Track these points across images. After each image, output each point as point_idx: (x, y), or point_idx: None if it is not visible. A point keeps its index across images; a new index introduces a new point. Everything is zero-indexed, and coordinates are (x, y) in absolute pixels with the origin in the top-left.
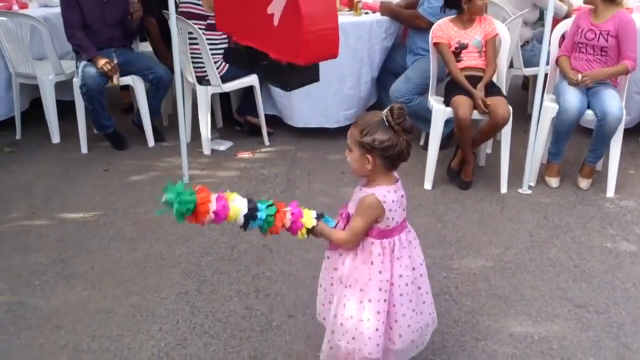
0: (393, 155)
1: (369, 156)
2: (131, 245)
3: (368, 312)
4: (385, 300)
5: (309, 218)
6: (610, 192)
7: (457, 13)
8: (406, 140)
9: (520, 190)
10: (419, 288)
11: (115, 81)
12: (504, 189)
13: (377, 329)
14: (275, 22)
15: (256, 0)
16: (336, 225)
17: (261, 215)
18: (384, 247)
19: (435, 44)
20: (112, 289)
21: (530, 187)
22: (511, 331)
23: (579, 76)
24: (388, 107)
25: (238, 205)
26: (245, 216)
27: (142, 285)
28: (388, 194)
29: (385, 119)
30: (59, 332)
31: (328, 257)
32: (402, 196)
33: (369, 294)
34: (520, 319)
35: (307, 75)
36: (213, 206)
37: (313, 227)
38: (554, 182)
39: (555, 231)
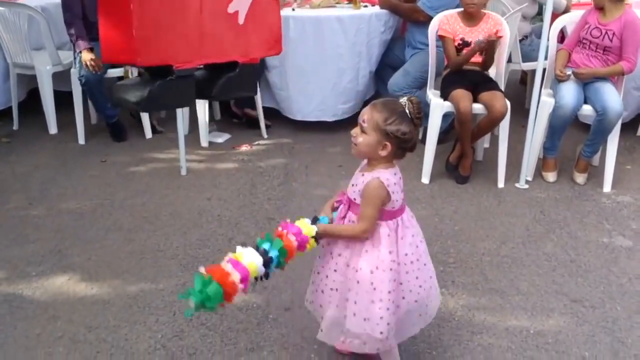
0: (408, 147)
1: (387, 143)
2: (128, 236)
3: (379, 293)
4: (395, 280)
5: (307, 227)
6: (607, 187)
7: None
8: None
9: (517, 185)
10: (425, 265)
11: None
12: (501, 184)
13: (388, 309)
14: (241, 19)
15: (207, 3)
16: (339, 211)
17: (274, 254)
18: (390, 228)
19: (441, 37)
20: (109, 280)
21: (527, 182)
22: (507, 325)
23: (572, 70)
24: (406, 98)
25: (253, 261)
26: (264, 265)
27: (139, 277)
28: (390, 176)
29: (408, 112)
30: (56, 322)
31: (323, 246)
32: (400, 178)
33: (380, 275)
34: (516, 313)
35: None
36: (237, 277)
37: (317, 233)
38: (551, 176)
39: (551, 226)
